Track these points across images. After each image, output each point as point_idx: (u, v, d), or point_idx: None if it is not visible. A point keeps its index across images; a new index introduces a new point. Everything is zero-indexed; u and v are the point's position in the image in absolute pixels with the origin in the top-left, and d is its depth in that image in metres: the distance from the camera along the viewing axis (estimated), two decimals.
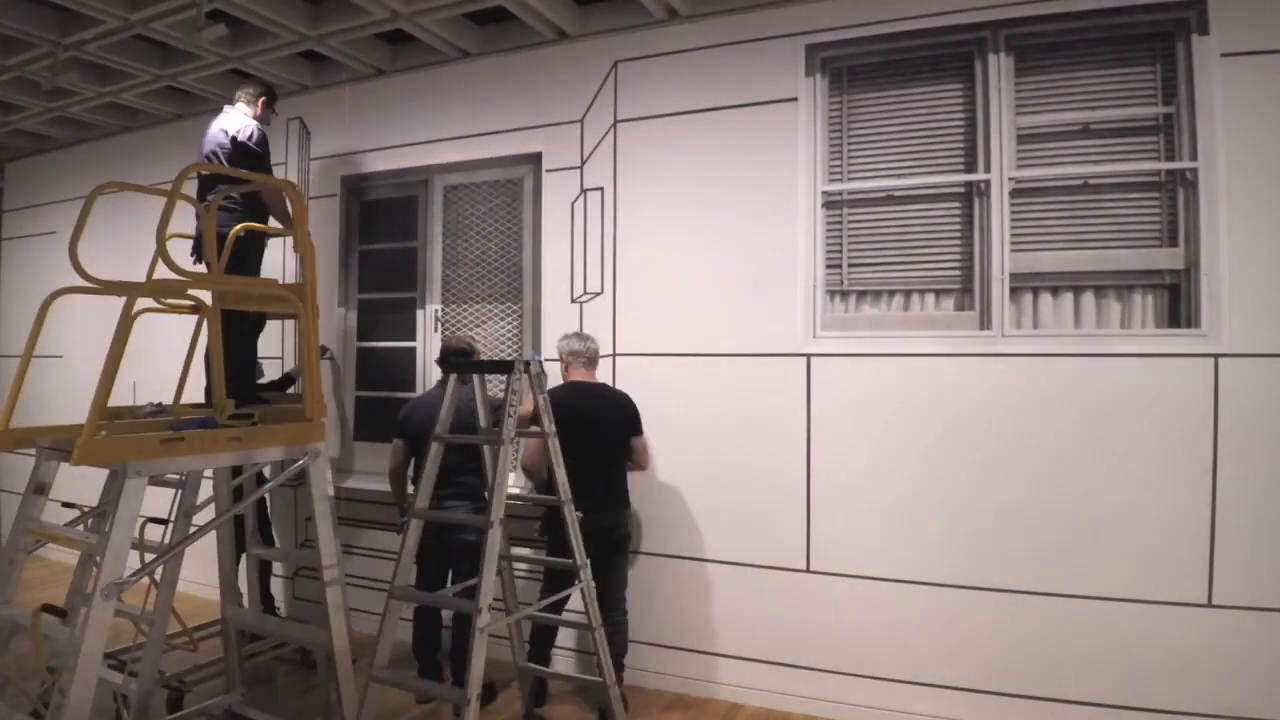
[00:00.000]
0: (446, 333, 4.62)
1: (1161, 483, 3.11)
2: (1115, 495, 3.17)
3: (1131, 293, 3.24)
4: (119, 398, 2.80)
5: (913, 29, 3.52)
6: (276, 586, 4.97)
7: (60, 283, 2.78)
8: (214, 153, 3.78)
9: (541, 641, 3.68)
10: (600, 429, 3.54)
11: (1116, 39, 3.26)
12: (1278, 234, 3.00)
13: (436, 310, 4.66)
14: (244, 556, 3.67)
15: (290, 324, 4.84)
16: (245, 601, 3.64)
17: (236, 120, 3.86)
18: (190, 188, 3.40)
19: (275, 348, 5.00)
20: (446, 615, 3.85)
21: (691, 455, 3.88)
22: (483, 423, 3.36)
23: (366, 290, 4.91)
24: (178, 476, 3.10)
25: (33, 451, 2.84)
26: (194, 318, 3.36)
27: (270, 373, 4.71)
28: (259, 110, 4.05)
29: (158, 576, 3.04)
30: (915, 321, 3.56)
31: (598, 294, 4.14)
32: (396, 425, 3.86)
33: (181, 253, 3.47)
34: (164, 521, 3.11)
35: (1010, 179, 3.38)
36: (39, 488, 2.85)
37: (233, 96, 4.07)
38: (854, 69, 3.68)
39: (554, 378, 3.73)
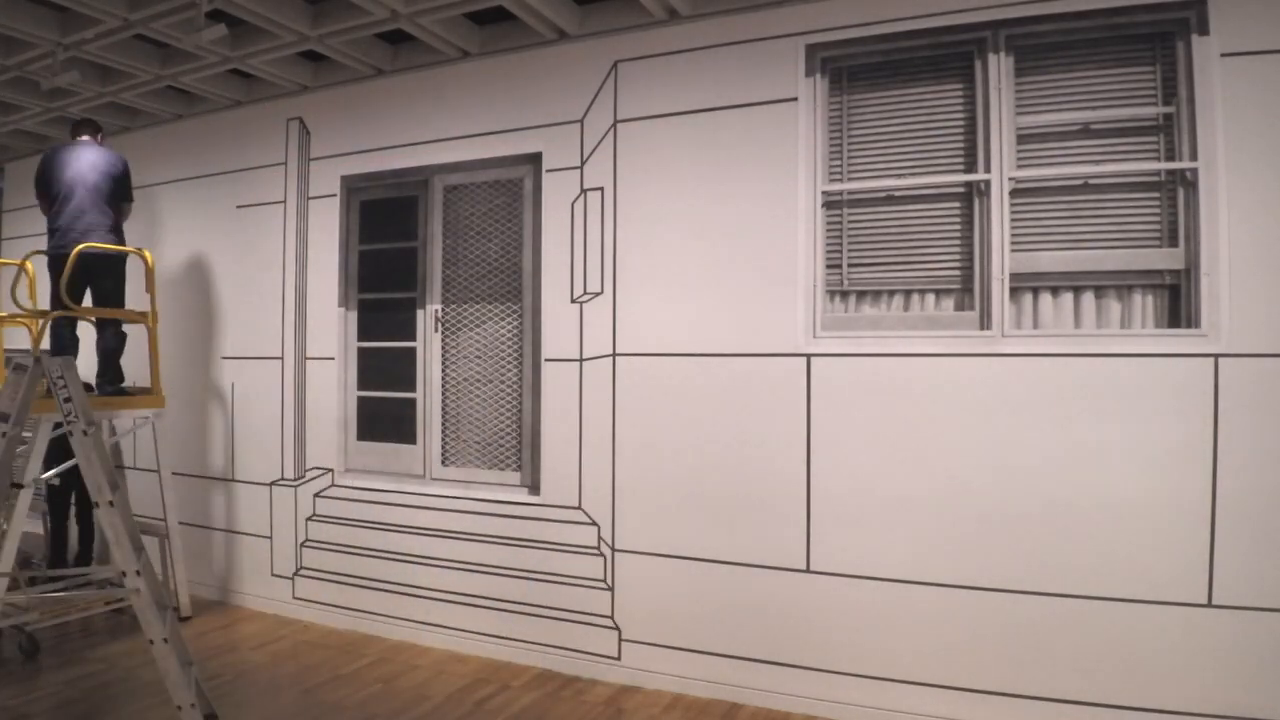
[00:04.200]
0: (446, 332, 4.63)
1: (1161, 483, 3.11)
2: (1115, 495, 3.17)
3: (1131, 293, 3.24)
4: None
5: (913, 29, 3.52)
6: (275, 583, 4.99)
7: None
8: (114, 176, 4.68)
9: None
10: None
11: (1116, 39, 3.26)
12: (1278, 234, 3.00)
13: (436, 310, 4.67)
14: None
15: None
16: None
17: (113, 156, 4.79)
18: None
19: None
20: None
21: (691, 455, 3.88)
22: None
23: (366, 290, 4.91)
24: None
25: None
26: None
27: None
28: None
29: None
30: (915, 321, 3.56)
31: (598, 294, 4.14)
32: None
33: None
34: None
35: (1010, 179, 3.38)
36: None
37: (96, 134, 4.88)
38: (854, 69, 3.68)
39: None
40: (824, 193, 3.70)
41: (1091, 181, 3.30)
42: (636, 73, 4.07)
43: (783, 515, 3.70)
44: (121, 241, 4.70)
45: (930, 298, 3.56)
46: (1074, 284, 3.31)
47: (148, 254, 4.80)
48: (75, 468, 4.32)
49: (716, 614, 3.82)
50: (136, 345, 4.91)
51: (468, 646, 4.39)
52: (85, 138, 4.80)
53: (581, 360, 4.17)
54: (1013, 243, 3.37)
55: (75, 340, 4.73)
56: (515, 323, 4.46)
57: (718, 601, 3.82)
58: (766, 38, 3.78)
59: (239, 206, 5.30)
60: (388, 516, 4.70)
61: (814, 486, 3.65)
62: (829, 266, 3.70)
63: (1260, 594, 2.98)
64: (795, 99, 3.72)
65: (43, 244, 6.24)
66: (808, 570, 3.66)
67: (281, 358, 5.08)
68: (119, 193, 4.73)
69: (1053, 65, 3.35)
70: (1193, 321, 3.11)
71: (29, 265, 4.44)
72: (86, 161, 4.66)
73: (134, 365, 4.94)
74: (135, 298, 4.83)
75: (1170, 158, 3.18)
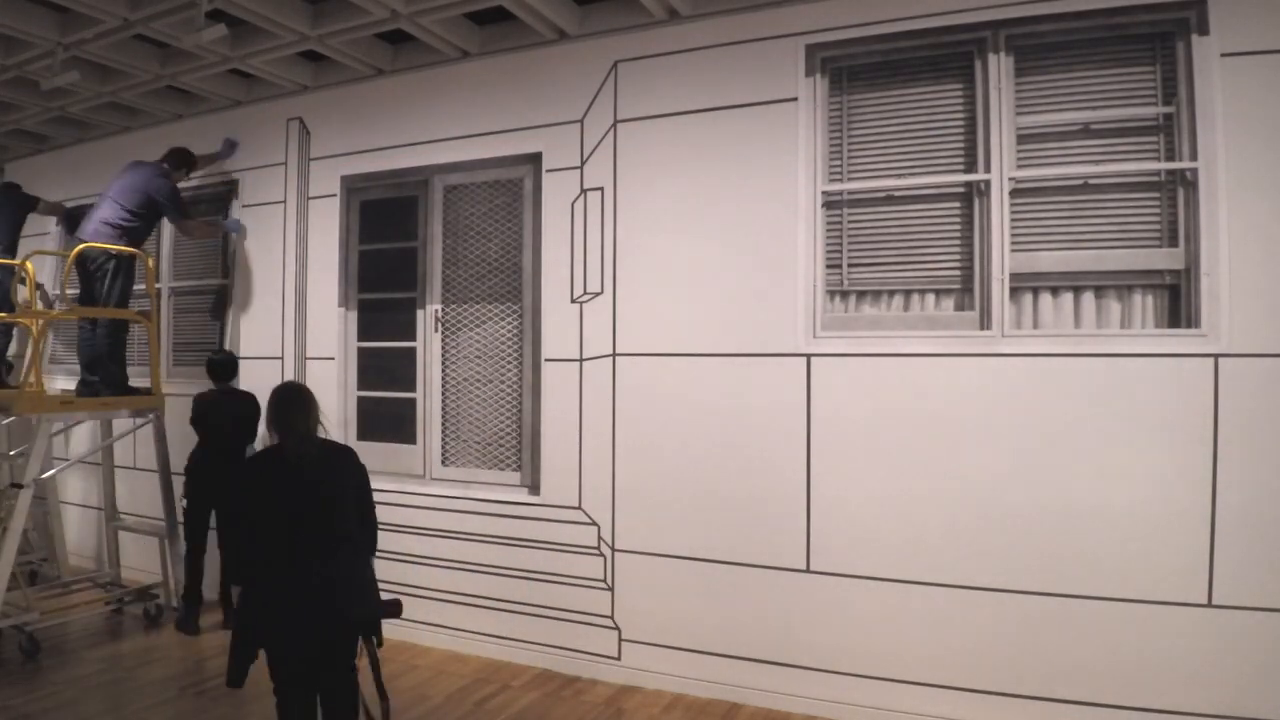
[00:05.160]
0: (446, 333, 4.63)
1: (1161, 483, 3.11)
2: (1115, 495, 3.17)
3: (1131, 293, 3.24)
4: None
5: (913, 29, 3.52)
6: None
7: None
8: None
9: None
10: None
11: (1116, 39, 3.26)
12: (1278, 234, 3.00)
13: (436, 310, 4.67)
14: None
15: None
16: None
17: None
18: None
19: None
20: None
21: (691, 455, 3.88)
22: None
23: (366, 290, 4.91)
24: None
25: None
26: None
27: None
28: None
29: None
30: (915, 321, 3.56)
31: (598, 294, 4.14)
32: None
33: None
34: None
35: (1010, 179, 3.38)
36: None
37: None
38: (854, 69, 3.68)
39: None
40: (824, 193, 3.70)
41: (1091, 181, 3.30)
42: (636, 73, 4.07)
43: (783, 515, 3.70)
44: (126, 243, 4.67)
45: (930, 298, 3.56)
46: (1074, 284, 3.31)
47: (147, 255, 4.81)
48: (213, 490, 4.63)
49: (716, 614, 3.82)
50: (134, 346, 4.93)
51: (468, 646, 4.39)
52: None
53: (581, 360, 4.17)
54: (1013, 243, 3.37)
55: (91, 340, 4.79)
56: (515, 323, 4.46)
57: (718, 601, 3.82)
58: (766, 38, 3.78)
59: (243, 206, 5.30)
60: (387, 516, 4.68)
61: (814, 486, 3.65)
62: (829, 266, 3.70)
63: (1260, 594, 2.98)
64: (795, 99, 3.72)
65: (41, 244, 6.27)
66: (808, 570, 3.65)
67: (281, 358, 5.08)
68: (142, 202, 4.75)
69: (1053, 65, 3.35)
70: (1193, 321, 3.11)
71: (29, 265, 4.43)
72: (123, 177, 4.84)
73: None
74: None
75: (1170, 158, 3.18)
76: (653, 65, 4.03)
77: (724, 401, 3.82)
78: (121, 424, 5.03)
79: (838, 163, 3.70)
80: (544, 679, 4.05)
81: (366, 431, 4.86)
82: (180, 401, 5.49)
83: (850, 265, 3.68)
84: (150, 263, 4.84)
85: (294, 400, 2.70)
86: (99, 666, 4.14)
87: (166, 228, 5.68)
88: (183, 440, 5.37)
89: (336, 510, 2.63)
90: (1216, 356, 3.06)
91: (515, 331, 4.46)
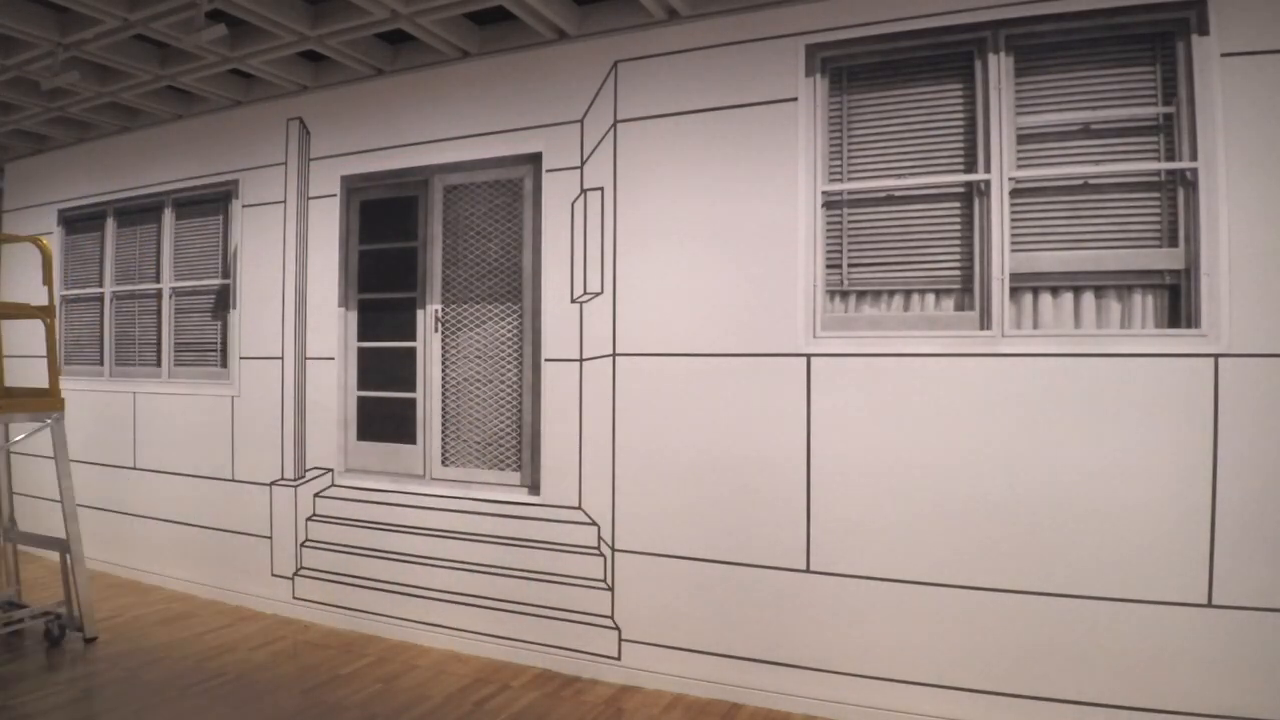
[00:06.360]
0: (446, 333, 4.63)
1: (1161, 482, 3.11)
2: (1115, 495, 3.17)
3: (1131, 293, 3.24)
4: None
5: (913, 29, 3.52)
6: (277, 586, 4.98)
7: None
8: None
9: None
10: None
11: (1116, 39, 3.26)
12: (1278, 234, 3.00)
13: (436, 310, 4.67)
14: None
15: None
16: None
17: None
18: None
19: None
20: None
21: (691, 455, 3.88)
22: None
23: (366, 290, 4.91)
24: None
25: None
26: None
27: None
28: None
29: None
30: (915, 321, 3.56)
31: (598, 294, 4.14)
32: None
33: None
34: None
35: (1010, 179, 3.38)
36: None
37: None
38: (854, 69, 3.68)
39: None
40: (824, 193, 3.70)
41: (1091, 181, 3.30)
42: (636, 73, 4.07)
43: (783, 515, 3.70)
44: None
45: (930, 298, 3.56)
46: (1074, 284, 3.31)
47: (44, 242, 4.64)
48: None
49: (716, 614, 3.82)
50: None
51: (468, 646, 4.39)
52: None
53: (581, 360, 4.17)
54: (1013, 243, 3.37)
55: None
56: (515, 323, 4.46)
57: (718, 601, 3.82)
58: (766, 38, 3.78)
59: (243, 206, 5.30)
60: (388, 516, 4.70)
61: (814, 486, 3.65)
62: (829, 266, 3.70)
63: (1260, 594, 2.98)
64: (795, 99, 3.72)
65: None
66: (808, 570, 3.66)
67: (281, 358, 5.08)
68: None
69: (1053, 65, 3.35)
70: (1193, 321, 3.11)
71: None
72: None
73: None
74: (34, 291, 4.61)
75: (1170, 158, 3.18)
76: (653, 65, 4.03)
77: (724, 401, 3.82)
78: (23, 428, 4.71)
79: (838, 163, 3.70)
80: (544, 679, 4.05)
81: (366, 431, 4.87)
82: (188, 401, 5.50)
83: (850, 265, 3.68)
84: (47, 249, 4.56)
85: None
86: (99, 666, 4.14)
87: (167, 226, 5.68)
88: (183, 439, 5.37)
89: None
90: (1216, 356, 3.06)
91: (515, 331, 4.46)
